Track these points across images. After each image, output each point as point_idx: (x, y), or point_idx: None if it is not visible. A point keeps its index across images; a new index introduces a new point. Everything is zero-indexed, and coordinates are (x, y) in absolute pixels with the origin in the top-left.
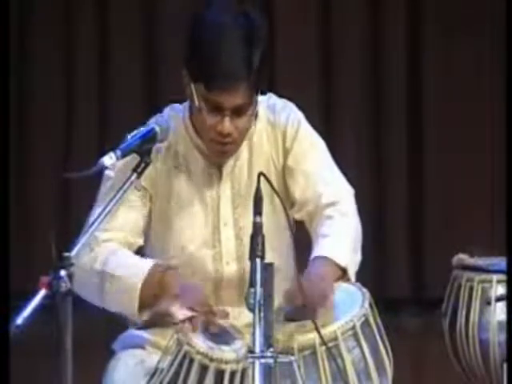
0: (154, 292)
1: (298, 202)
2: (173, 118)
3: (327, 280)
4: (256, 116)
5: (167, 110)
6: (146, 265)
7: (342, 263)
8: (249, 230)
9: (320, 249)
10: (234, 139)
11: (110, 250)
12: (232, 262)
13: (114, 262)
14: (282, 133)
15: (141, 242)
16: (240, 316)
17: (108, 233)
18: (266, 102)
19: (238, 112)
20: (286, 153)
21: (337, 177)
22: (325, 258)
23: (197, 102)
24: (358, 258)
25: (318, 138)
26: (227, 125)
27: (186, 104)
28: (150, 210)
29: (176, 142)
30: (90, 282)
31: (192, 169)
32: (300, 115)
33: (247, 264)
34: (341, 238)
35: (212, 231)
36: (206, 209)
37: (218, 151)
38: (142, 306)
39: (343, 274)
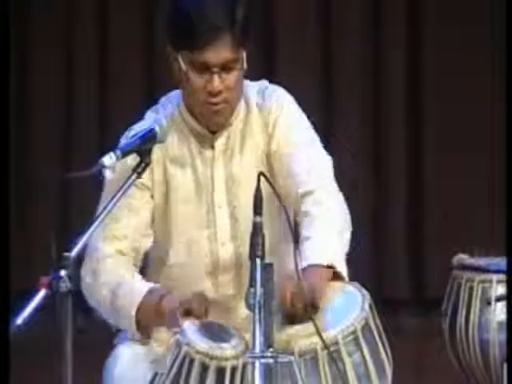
0: (150, 318)
1: (282, 188)
2: (167, 107)
3: (318, 287)
4: (244, 71)
5: (163, 100)
6: (140, 292)
7: (327, 262)
8: (242, 210)
9: (304, 256)
10: (224, 98)
11: (113, 279)
12: (227, 243)
13: (114, 294)
14: (267, 118)
15: (148, 241)
16: (237, 311)
17: (109, 245)
18: (258, 87)
19: (225, 68)
20: (270, 138)
21: (314, 158)
22: (311, 265)
23: (184, 69)
24: (346, 240)
25: (301, 118)
26: (216, 83)
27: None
28: (153, 208)
29: (170, 135)
30: (97, 305)
31: (185, 153)
32: (286, 100)
33: (242, 245)
34: (320, 235)
35: (206, 211)
36: (200, 190)
37: (212, 112)
38: (142, 329)
39: (331, 269)
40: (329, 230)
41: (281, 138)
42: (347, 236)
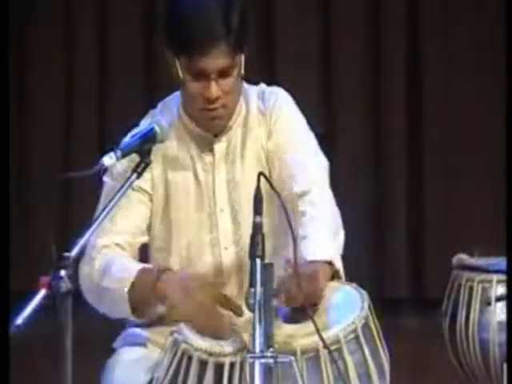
0: (145, 297)
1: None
2: (165, 113)
3: (318, 277)
4: (242, 78)
5: (160, 106)
6: (133, 271)
7: (327, 257)
8: (245, 214)
9: (303, 255)
10: (222, 103)
11: (107, 261)
12: (230, 247)
13: (107, 274)
14: (268, 119)
15: (143, 239)
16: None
17: (106, 237)
18: (257, 91)
19: (222, 74)
20: (268, 138)
21: (311, 159)
22: (310, 261)
23: (181, 75)
24: (340, 241)
25: (300, 120)
26: (214, 89)
27: (179, 93)
28: (151, 210)
29: (169, 140)
30: (93, 294)
31: (186, 158)
32: (285, 101)
33: (245, 249)
34: (318, 234)
35: (208, 216)
36: (201, 194)
37: (210, 117)
38: (137, 311)
39: (330, 266)
40: (325, 230)
41: (278, 138)
42: (341, 237)
